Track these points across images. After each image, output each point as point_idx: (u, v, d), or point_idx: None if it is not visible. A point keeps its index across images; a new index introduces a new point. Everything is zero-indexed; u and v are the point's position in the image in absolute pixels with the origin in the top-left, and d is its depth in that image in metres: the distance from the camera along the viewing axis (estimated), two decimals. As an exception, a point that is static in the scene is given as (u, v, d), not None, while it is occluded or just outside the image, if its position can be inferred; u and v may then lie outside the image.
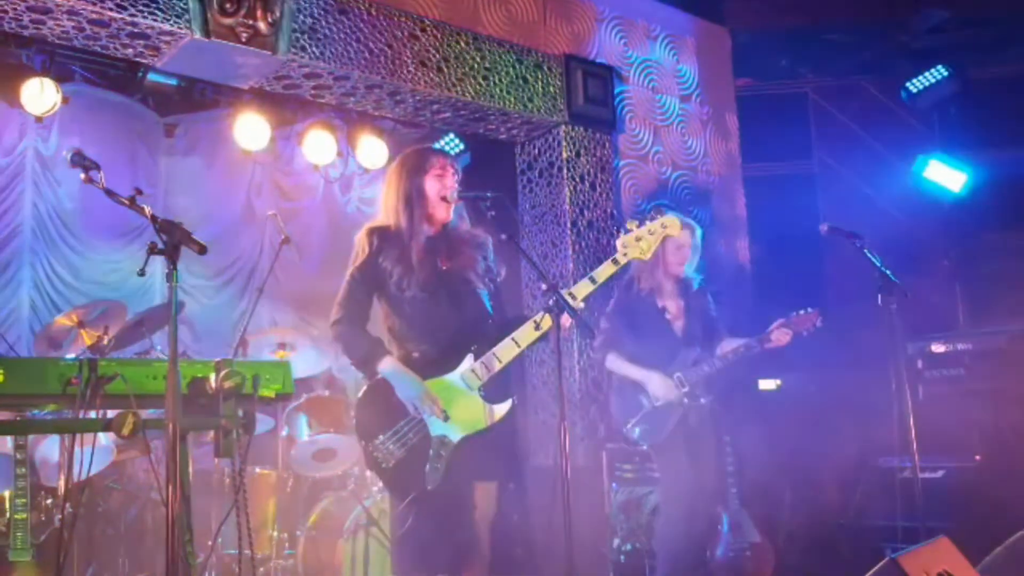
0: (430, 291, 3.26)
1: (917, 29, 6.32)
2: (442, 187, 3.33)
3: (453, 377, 3.21)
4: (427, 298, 3.25)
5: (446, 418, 3.17)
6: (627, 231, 3.32)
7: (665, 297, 4.36)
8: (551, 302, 3.11)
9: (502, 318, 3.40)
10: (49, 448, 4.47)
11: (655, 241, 3.31)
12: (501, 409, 3.22)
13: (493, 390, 3.23)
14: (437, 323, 3.25)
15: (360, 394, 3.34)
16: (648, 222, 3.30)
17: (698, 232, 4.42)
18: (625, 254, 3.30)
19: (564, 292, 3.16)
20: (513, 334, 3.22)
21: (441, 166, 3.35)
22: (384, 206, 3.41)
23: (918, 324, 5.18)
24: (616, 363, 4.30)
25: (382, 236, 3.33)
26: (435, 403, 3.17)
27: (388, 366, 3.22)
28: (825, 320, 4.19)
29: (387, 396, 3.20)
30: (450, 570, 3.17)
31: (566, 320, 3.15)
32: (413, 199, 3.31)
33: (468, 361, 3.22)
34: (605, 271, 3.29)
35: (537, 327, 3.21)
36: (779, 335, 4.19)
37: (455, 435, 3.18)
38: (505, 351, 3.21)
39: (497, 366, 3.21)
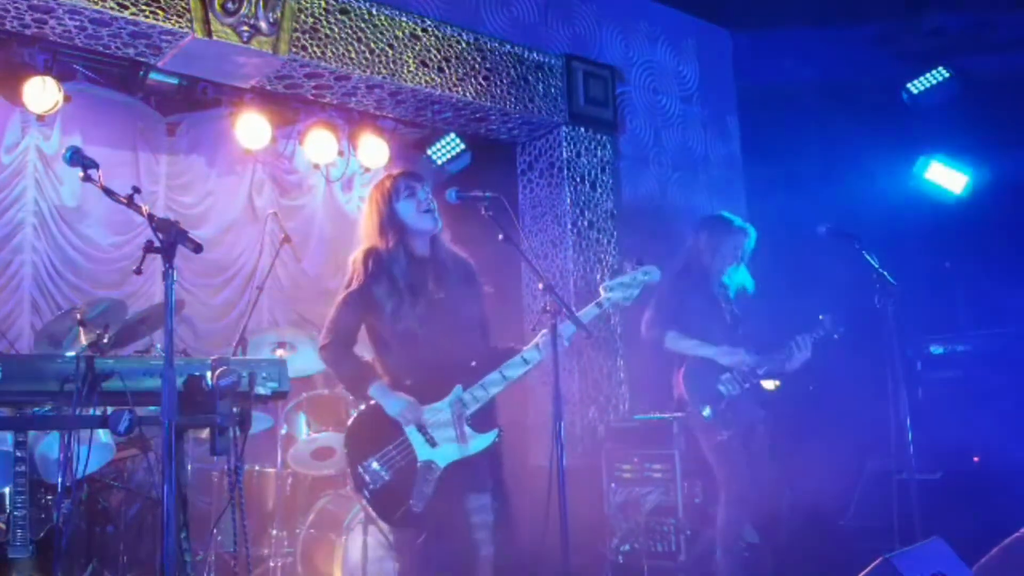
0: (423, 322, 3.34)
1: (919, 30, 6.32)
2: (417, 203, 3.43)
3: (442, 406, 3.33)
4: (421, 329, 3.34)
5: (434, 444, 3.29)
6: (611, 278, 3.54)
7: (717, 289, 4.50)
8: (550, 322, 3.26)
9: (489, 348, 3.50)
10: (49, 445, 4.48)
11: (637, 288, 3.48)
12: (487, 439, 3.34)
13: (480, 420, 3.35)
14: (429, 353, 3.34)
15: (351, 420, 3.43)
16: (630, 271, 3.50)
17: (752, 235, 4.54)
18: (609, 299, 3.47)
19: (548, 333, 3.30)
20: (501, 368, 3.35)
21: (408, 187, 3.45)
22: (366, 233, 3.50)
23: (917, 326, 5.19)
24: (680, 341, 4.38)
25: (377, 261, 3.39)
26: (420, 418, 3.28)
27: (377, 389, 3.33)
28: (842, 325, 4.27)
29: (378, 421, 3.31)
30: None
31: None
32: (393, 223, 3.42)
33: (457, 391, 3.33)
34: (588, 313, 3.43)
35: (525, 362, 3.35)
36: (800, 356, 4.35)
37: (442, 461, 3.29)
38: (493, 384, 3.34)
39: (485, 397, 3.33)
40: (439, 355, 3.34)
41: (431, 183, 3.53)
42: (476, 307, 3.52)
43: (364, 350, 3.51)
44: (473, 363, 3.37)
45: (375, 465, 3.29)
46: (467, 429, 3.31)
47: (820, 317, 4.36)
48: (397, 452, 3.30)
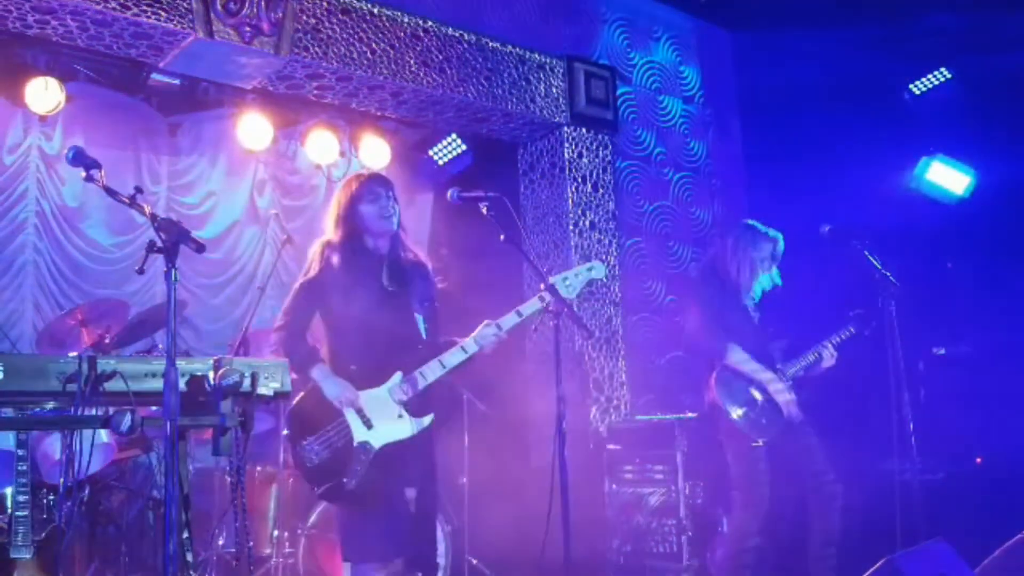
0: (372, 310, 3.51)
1: (921, 31, 6.31)
2: (380, 208, 3.59)
3: (381, 391, 3.49)
4: (369, 317, 3.50)
5: (370, 426, 3.45)
6: (553, 272, 3.67)
7: (746, 296, 4.49)
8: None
9: (434, 341, 3.65)
10: (50, 445, 4.48)
11: (580, 283, 3.59)
12: (422, 423, 3.51)
13: (417, 405, 3.51)
14: (374, 340, 3.50)
15: (295, 400, 3.54)
16: (575, 264, 3.65)
17: (781, 241, 4.53)
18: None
19: (492, 323, 3.51)
20: (440, 356, 3.52)
21: (373, 192, 3.60)
22: (329, 227, 3.66)
23: (919, 326, 5.17)
24: (742, 360, 4.32)
25: (334, 251, 3.57)
26: (355, 403, 3.44)
27: (319, 371, 3.49)
28: (874, 320, 4.28)
29: (318, 403, 3.47)
30: (382, 557, 3.44)
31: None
32: (354, 223, 3.59)
33: (397, 377, 3.50)
34: (531, 306, 3.55)
35: (464, 351, 3.51)
36: (829, 357, 4.38)
37: (376, 443, 3.46)
38: (431, 371, 3.50)
39: (422, 384, 3.50)
40: (385, 343, 3.50)
41: (394, 197, 3.68)
42: (426, 301, 3.68)
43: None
44: (419, 347, 3.55)
45: (314, 444, 3.44)
46: (403, 413, 3.48)
47: (851, 314, 4.37)
48: (335, 432, 3.46)
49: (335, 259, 3.55)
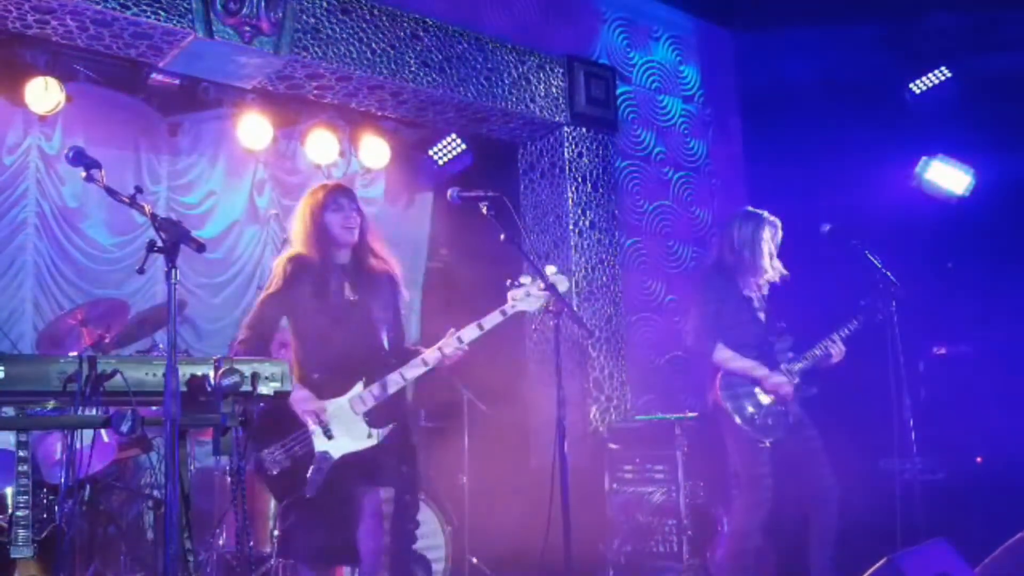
0: (336, 321, 3.56)
1: (921, 30, 6.31)
2: (343, 218, 3.64)
3: (343, 400, 3.52)
4: (332, 327, 3.55)
5: (330, 436, 3.49)
6: (519, 285, 3.61)
7: (751, 288, 4.46)
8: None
9: (397, 350, 3.69)
10: (51, 445, 4.48)
11: (542, 296, 3.59)
12: (382, 433, 3.53)
13: (377, 415, 3.54)
14: (337, 350, 3.54)
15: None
16: (539, 279, 3.59)
17: (780, 227, 4.54)
18: (513, 306, 3.60)
19: (452, 336, 3.55)
20: (401, 369, 3.55)
21: (336, 202, 3.66)
22: (294, 237, 3.72)
23: (920, 326, 5.17)
24: (728, 357, 4.32)
25: (297, 265, 3.61)
26: (319, 414, 3.47)
27: None
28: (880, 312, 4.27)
29: (282, 411, 3.48)
30: (327, 564, 3.58)
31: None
32: (319, 231, 3.63)
33: (358, 388, 3.54)
34: (492, 319, 3.58)
35: (425, 363, 3.56)
36: (838, 352, 4.37)
37: (336, 452, 3.50)
38: (392, 383, 3.54)
39: (383, 395, 3.53)
40: (347, 353, 3.54)
41: (359, 209, 3.73)
42: (390, 311, 3.72)
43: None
44: (382, 355, 3.60)
45: (276, 453, 3.49)
46: (362, 424, 3.51)
47: (860, 304, 4.36)
48: (296, 442, 3.50)
49: (298, 272, 3.60)
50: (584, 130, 6.04)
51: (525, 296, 3.59)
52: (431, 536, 5.01)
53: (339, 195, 3.69)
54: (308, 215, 3.67)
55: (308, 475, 3.44)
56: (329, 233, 3.63)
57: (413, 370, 3.55)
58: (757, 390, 4.31)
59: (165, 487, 2.38)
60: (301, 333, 3.62)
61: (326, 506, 3.49)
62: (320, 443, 3.49)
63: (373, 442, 3.51)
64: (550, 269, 3.65)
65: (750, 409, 4.29)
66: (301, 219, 3.70)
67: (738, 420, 4.26)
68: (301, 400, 3.47)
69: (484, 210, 3.50)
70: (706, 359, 4.37)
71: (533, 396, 5.92)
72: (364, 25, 5.07)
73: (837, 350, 4.38)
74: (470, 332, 3.56)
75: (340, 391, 3.53)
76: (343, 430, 3.50)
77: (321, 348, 3.56)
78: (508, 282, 3.66)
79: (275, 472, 3.49)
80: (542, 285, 3.56)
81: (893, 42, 6.35)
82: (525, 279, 3.63)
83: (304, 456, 3.48)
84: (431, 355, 3.56)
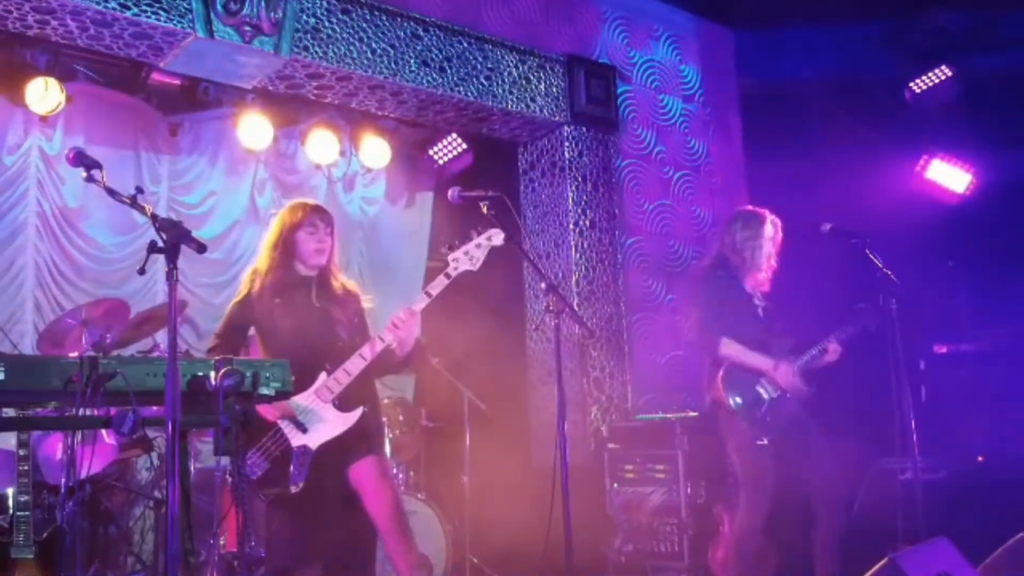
0: (300, 326, 3.65)
1: (922, 29, 6.32)
2: (316, 241, 3.74)
3: (308, 394, 3.58)
4: (296, 331, 3.64)
5: (304, 430, 3.55)
6: (456, 247, 3.67)
7: (751, 287, 4.46)
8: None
9: (353, 341, 3.73)
10: (52, 446, 4.48)
11: (482, 253, 3.66)
12: (352, 416, 3.60)
13: (346, 401, 3.60)
14: (301, 351, 3.56)
15: None
16: (475, 236, 3.65)
17: (780, 228, 4.54)
18: (456, 268, 3.65)
19: (405, 309, 3.62)
20: (360, 350, 3.59)
21: (312, 223, 3.76)
22: (263, 248, 3.81)
23: (921, 325, 5.18)
24: (736, 350, 4.30)
25: (264, 277, 3.73)
26: (287, 411, 3.53)
27: None
28: (867, 320, 4.27)
29: (248, 417, 3.48)
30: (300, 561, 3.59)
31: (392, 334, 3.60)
32: (286, 248, 3.74)
33: (322, 378, 3.60)
34: (439, 284, 3.64)
35: (381, 339, 3.61)
36: (833, 351, 4.35)
37: (314, 443, 3.56)
38: (353, 365, 3.58)
39: (346, 379, 3.57)
40: (309, 350, 3.60)
41: (333, 232, 3.81)
42: (353, 315, 3.81)
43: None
44: (339, 346, 3.65)
45: (254, 457, 3.55)
46: (333, 412, 3.57)
47: (857, 307, 4.36)
48: (272, 443, 3.57)
49: (266, 282, 3.70)
50: (584, 129, 6.04)
51: (464, 255, 3.64)
52: (431, 536, 5.01)
53: (316, 218, 3.78)
54: (279, 231, 3.77)
55: (290, 470, 3.51)
56: (298, 249, 3.73)
57: (371, 348, 3.60)
58: (759, 387, 4.31)
59: (165, 487, 2.38)
60: (267, 339, 3.71)
61: (318, 499, 3.54)
62: (296, 439, 3.56)
63: (348, 426, 3.58)
64: (496, 234, 3.66)
65: (751, 404, 4.28)
66: (276, 232, 3.78)
67: (737, 415, 4.26)
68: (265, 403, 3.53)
69: (484, 209, 3.52)
70: (712, 354, 4.35)
71: (533, 396, 5.92)
72: (364, 25, 5.07)
73: (833, 349, 4.37)
74: (420, 301, 3.64)
75: (306, 386, 3.57)
76: (315, 421, 3.56)
77: (286, 350, 3.58)
78: (446, 248, 3.70)
79: (258, 475, 3.56)
80: (479, 243, 3.62)
81: (893, 41, 6.35)
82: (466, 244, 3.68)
83: (282, 455, 3.55)
84: (386, 332, 3.62)
